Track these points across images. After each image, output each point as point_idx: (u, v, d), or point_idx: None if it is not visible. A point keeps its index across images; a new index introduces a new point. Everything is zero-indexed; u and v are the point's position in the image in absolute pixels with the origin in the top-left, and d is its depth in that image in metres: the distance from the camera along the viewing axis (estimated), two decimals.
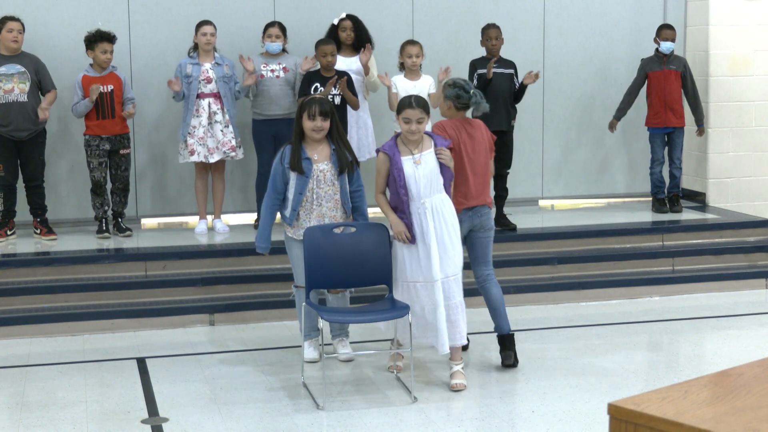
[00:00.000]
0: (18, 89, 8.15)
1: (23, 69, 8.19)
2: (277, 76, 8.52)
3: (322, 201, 6.26)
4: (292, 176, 6.23)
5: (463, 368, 6.16)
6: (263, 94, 8.53)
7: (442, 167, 6.04)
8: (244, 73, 8.50)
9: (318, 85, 8.22)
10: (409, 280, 6.06)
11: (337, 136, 6.30)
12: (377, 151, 6.15)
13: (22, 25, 8.27)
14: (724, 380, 3.20)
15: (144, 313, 7.45)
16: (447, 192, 6.10)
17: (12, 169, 8.29)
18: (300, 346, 6.54)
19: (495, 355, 6.77)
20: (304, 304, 6.23)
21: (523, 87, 8.57)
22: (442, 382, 6.22)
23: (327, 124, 6.22)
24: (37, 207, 8.42)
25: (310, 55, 8.67)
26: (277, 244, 8.27)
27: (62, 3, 8.82)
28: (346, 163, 6.29)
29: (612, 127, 9.48)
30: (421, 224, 5.99)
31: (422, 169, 5.98)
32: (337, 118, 6.35)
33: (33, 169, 8.33)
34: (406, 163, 5.99)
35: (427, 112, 6.08)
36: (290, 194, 6.27)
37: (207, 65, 8.41)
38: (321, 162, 6.25)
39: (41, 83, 8.27)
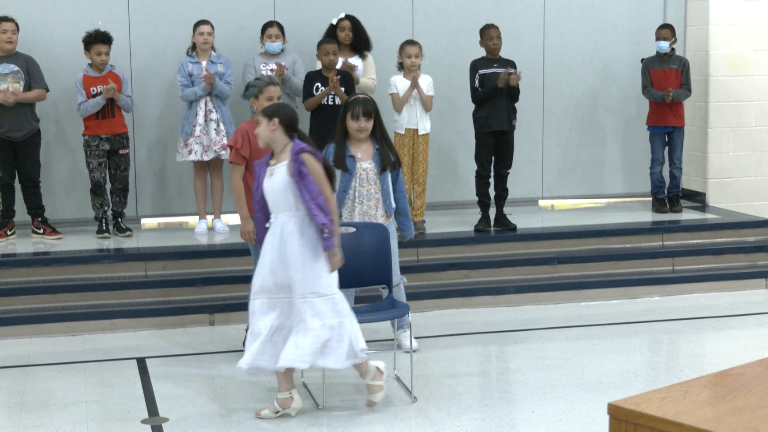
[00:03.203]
0: (12, 89, 8.14)
1: (17, 69, 8.19)
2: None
3: (363, 199, 6.35)
4: (336, 174, 6.29)
5: (373, 380, 5.71)
6: None
7: (301, 187, 5.39)
8: (243, 71, 8.52)
9: (320, 84, 8.22)
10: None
11: (381, 135, 6.36)
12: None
13: (17, 25, 8.26)
14: (724, 380, 3.20)
15: (144, 313, 7.45)
16: (312, 212, 5.38)
17: (9, 169, 8.29)
18: None
19: (494, 356, 6.77)
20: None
21: (514, 88, 8.49)
22: (441, 382, 6.22)
23: (370, 125, 6.29)
24: (36, 207, 8.42)
25: (311, 54, 8.68)
26: None
27: (62, 3, 8.82)
28: (388, 162, 6.37)
29: (668, 95, 9.17)
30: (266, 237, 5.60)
31: (272, 183, 5.50)
32: (381, 117, 6.41)
33: (29, 169, 8.32)
34: (267, 172, 5.62)
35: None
36: None
37: (204, 64, 8.43)
38: (364, 160, 6.34)
39: (31, 81, 8.24)
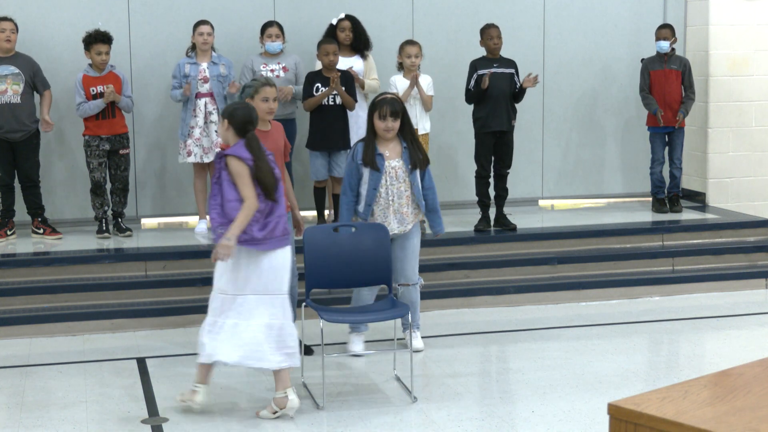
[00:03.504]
0: (11, 90, 8.14)
1: (17, 70, 8.18)
2: (278, 76, 8.51)
3: (394, 197, 6.42)
4: (366, 172, 6.42)
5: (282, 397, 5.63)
6: None
7: (216, 188, 5.54)
8: (242, 69, 8.50)
9: (320, 85, 8.22)
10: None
11: (409, 134, 6.43)
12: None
13: (16, 25, 8.26)
14: (724, 380, 3.20)
15: (144, 313, 7.45)
16: (212, 213, 5.60)
17: (8, 169, 8.29)
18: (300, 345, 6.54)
19: (494, 356, 6.78)
20: (361, 294, 6.52)
21: (522, 89, 8.57)
22: (442, 382, 6.22)
23: (397, 124, 6.37)
24: (35, 207, 8.42)
25: (311, 54, 8.68)
26: None
27: (62, 3, 8.82)
28: (417, 160, 6.43)
29: (660, 117, 9.18)
30: None
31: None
32: (409, 117, 6.47)
33: (28, 169, 8.32)
34: None
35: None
36: (363, 190, 6.45)
37: (204, 65, 8.41)
38: (393, 159, 6.41)
39: (35, 84, 8.26)
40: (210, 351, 5.57)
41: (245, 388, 6.12)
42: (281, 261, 5.60)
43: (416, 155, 6.45)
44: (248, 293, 5.54)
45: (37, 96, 8.35)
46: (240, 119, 5.58)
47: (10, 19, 8.24)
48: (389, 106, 6.35)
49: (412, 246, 6.60)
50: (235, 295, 5.55)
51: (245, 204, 5.45)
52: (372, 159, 6.38)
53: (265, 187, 5.51)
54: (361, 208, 6.47)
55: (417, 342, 6.78)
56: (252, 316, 5.52)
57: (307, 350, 6.60)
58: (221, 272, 5.63)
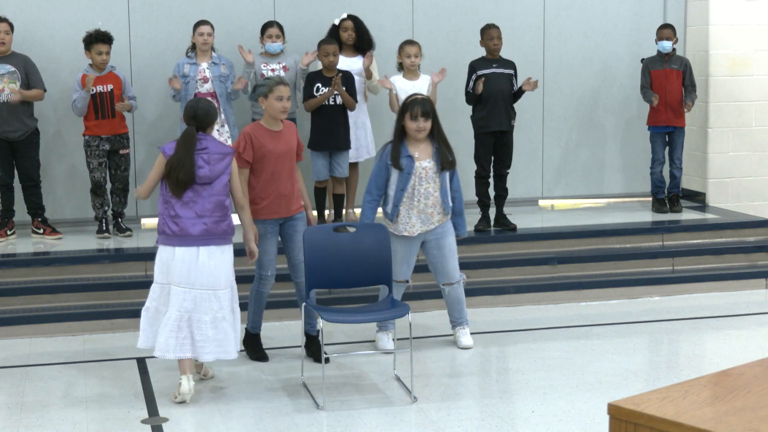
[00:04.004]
0: (8, 89, 8.14)
1: (13, 69, 8.18)
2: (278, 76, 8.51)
3: (421, 198, 6.44)
4: (394, 173, 6.44)
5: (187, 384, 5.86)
6: None
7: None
8: (244, 67, 8.49)
9: (320, 85, 8.22)
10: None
11: (438, 135, 6.45)
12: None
13: (10, 25, 8.24)
14: (724, 380, 3.19)
15: None
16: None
17: (7, 169, 8.29)
18: (299, 346, 6.54)
19: (494, 355, 6.78)
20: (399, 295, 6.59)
21: (521, 91, 8.58)
22: (442, 382, 6.22)
23: (428, 125, 6.41)
24: (36, 207, 8.42)
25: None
26: None
27: (62, 3, 8.81)
28: (447, 161, 6.45)
29: (654, 100, 9.16)
30: None
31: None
32: (438, 117, 6.50)
33: (28, 168, 8.32)
34: None
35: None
36: (391, 191, 6.48)
37: (204, 65, 8.41)
38: (423, 159, 6.44)
39: (29, 82, 8.24)
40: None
41: (245, 388, 6.12)
42: (189, 257, 5.77)
43: (446, 156, 6.47)
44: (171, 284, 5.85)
45: None
46: (188, 114, 5.86)
47: (5, 20, 8.23)
48: (421, 107, 6.37)
49: (449, 245, 6.65)
50: (163, 284, 5.92)
51: (140, 194, 5.90)
52: (398, 160, 6.41)
53: (172, 182, 5.73)
54: (389, 209, 6.52)
55: (466, 339, 6.85)
56: (168, 306, 5.85)
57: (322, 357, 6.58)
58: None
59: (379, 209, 6.65)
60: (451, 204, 6.59)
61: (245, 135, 6.32)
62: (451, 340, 6.99)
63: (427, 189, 6.46)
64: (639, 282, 8.34)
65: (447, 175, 6.52)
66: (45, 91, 8.34)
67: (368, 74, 8.55)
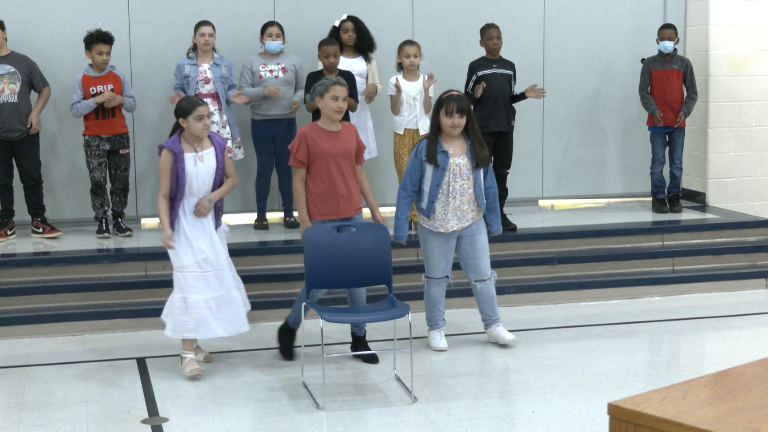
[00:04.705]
0: (8, 90, 8.14)
1: (13, 69, 8.18)
2: (276, 77, 8.51)
3: (456, 194, 6.46)
4: (429, 169, 6.44)
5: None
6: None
7: (219, 169, 6.26)
8: (240, 80, 8.51)
9: None
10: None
11: (473, 131, 6.47)
12: (160, 147, 6.27)
13: (1, 24, 8.20)
14: (724, 380, 3.20)
15: (144, 313, 7.44)
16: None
17: (7, 169, 8.29)
18: (299, 346, 6.54)
19: (495, 356, 6.77)
20: (432, 292, 6.71)
21: (523, 96, 8.54)
22: (442, 382, 6.22)
23: (463, 121, 6.43)
24: (36, 207, 8.42)
25: (311, 54, 8.68)
26: (274, 244, 8.28)
27: (62, 3, 8.81)
28: (481, 158, 6.47)
29: (659, 117, 9.19)
30: (187, 219, 6.26)
31: (202, 167, 6.20)
32: (473, 114, 6.51)
33: (29, 167, 8.32)
34: (189, 160, 6.17)
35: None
36: (426, 186, 6.49)
37: (205, 65, 8.41)
38: (457, 156, 6.46)
39: (32, 82, 8.25)
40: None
41: (245, 388, 6.12)
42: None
43: (481, 153, 6.48)
44: None
45: (34, 94, 8.35)
46: (177, 111, 6.16)
47: None
48: (456, 103, 6.38)
49: (481, 242, 6.66)
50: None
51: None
52: (434, 156, 6.40)
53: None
54: (424, 205, 6.53)
55: (507, 334, 6.85)
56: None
57: (373, 357, 6.59)
58: None
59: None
60: (485, 201, 6.59)
61: (300, 135, 6.34)
62: (451, 340, 6.98)
63: (462, 186, 6.46)
64: (639, 282, 8.34)
65: (481, 172, 6.53)
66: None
67: (373, 91, 8.60)
